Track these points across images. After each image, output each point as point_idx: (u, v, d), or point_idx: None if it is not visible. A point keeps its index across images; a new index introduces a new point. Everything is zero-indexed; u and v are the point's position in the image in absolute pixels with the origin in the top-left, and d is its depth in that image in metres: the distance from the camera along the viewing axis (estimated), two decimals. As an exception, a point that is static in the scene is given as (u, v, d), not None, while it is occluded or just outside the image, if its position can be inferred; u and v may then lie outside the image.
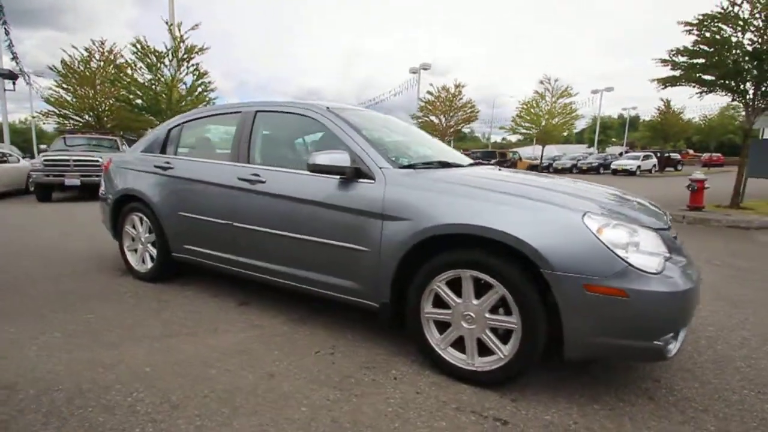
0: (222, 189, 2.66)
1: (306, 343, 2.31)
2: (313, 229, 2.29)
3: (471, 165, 2.72)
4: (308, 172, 2.33)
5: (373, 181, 2.12)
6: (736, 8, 7.17)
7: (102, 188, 3.63)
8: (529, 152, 36.65)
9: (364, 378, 1.97)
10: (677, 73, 8.40)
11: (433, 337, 2.01)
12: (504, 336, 1.86)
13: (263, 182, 2.47)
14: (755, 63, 7.19)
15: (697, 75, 8.03)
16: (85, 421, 1.60)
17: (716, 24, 7.61)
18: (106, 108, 14.54)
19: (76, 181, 9.47)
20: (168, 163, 3.03)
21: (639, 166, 24.43)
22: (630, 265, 1.62)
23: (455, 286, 1.92)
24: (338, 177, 2.21)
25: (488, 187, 1.94)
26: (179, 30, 11.39)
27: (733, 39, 7.36)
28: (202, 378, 1.93)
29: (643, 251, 1.70)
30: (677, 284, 1.66)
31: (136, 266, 3.35)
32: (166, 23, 11.36)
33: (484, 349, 1.90)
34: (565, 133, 22.44)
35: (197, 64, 11.89)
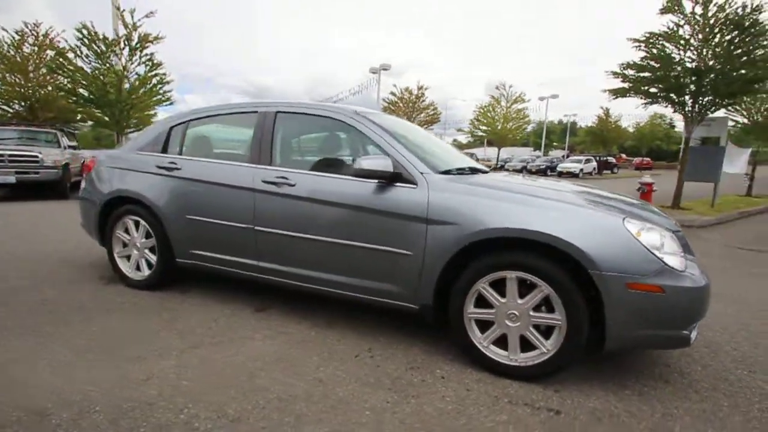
0: (241, 192, 2.56)
1: (341, 348, 2.30)
2: (349, 233, 2.28)
3: (493, 171, 2.85)
4: (342, 176, 2.33)
5: (415, 186, 2.16)
6: (679, 29, 8.01)
7: (84, 190, 3.32)
8: (481, 154, 38.14)
9: (413, 379, 2.01)
10: (626, 85, 9.21)
11: (475, 335, 2.09)
12: (545, 332, 1.98)
13: (292, 185, 2.41)
14: (694, 79, 8.07)
15: (644, 88, 8.85)
16: (143, 442, 1.50)
17: (660, 42, 8.46)
18: (41, 97, 13.12)
19: (11, 179, 8.56)
20: (173, 163, 2.85)
21: (581, 169, 26.39)
22: (666, 264, 1.80)
23: (497, 286, 2.02)
24: (376, 181, 2.23)
25: (530, 193, 2.05)
26: (132, 17, 10.58)
27: (676, 57, 8.22)
28: (251, 388, 1.86)
29: (667, 252, 1.89)
30: (700, 280, 1.87)
31: (129, 273, 3.11)
32: (117, 8, 10.49)
33: (525, 346, 2.01)
34: (518, 137, 23.70)
35: (151, 54, 11.11)
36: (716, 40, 7.73)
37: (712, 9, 7.79)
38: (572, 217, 1.90)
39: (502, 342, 2.06)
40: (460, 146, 53.48)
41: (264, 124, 2.63)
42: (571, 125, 46.46)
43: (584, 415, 1.78)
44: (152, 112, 12.82)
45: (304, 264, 2.45)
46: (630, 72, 9.07)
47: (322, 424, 1.64)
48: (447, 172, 2.29)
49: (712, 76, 7.79)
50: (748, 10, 7.16)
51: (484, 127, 22.38)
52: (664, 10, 8.48)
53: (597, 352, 1.98)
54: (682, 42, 8.18)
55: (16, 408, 1.66)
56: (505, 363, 2.03)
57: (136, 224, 3.03)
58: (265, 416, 1.67)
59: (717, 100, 8.19)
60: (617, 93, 9.47)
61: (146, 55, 10.95)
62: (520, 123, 21.72)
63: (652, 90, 8.94)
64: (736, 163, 10.65)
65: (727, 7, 7.47)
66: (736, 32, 7.40)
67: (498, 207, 1.98)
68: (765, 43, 7.19)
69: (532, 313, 1.96)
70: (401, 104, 17.46)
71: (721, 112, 9.45)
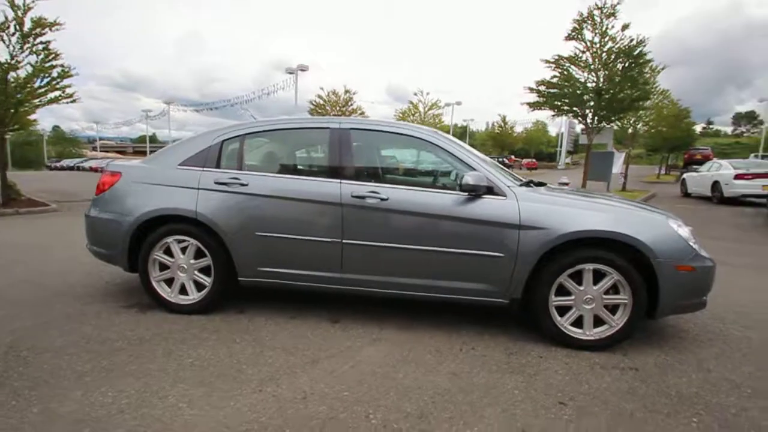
0: (328, 207, 2.62)
1: (440, 345, 2.55)
2: (443, 240, 2.54)
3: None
4: (432, 189, 2.61)
5: (504, 197, 2.52)
6: (582, 54, 9.68)
7: (101, 209, 2.95)
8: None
9: (520, 361, 2.37)
10: (541, 99, 10.77)
11: (556, 319, 2.53)
12: (611, 310, 2.52)
13: (384, 199, 2.57)
14: (593, 96, 9.83)
15: (556, 102, 10.47)
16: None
17: (567, 65, 10.10)
18: None
19: None
20: (236, 179, 2.75)
21: (486, 169, 29.52)
22: (696, 250, 2.47)
23: (572, 277, 2.50)
24: (465, 193, 2.53)
25: (597, 201, 2.57)
26: (22, -2, 8.83)
27: (581, 77, 9.91)
28: (405, 389, 2.03)
29: (693, 241, 2.57)
30: (712, 260, 2.58)
31: (171, 298, 2.88)
32: (2, -14, 8.68)
33: (595, 323, 2.52)
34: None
35: (47, 42, 9.41)
36: (611, 65, 9.56)
37: (606, 39, 9.60)
38: (636, 219, 2.47)
39: (574, 322, 2.54)
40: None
41: (340, 141, 2.72)
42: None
43: (654, 368, 2.34)
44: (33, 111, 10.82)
45: (395, 272, 2.63)
46: (542, 88, 10.65)
47: (494, 406, 1.91)
48: (522, 185, 2.69)
49: (607, 95, 9.60)
50: (634, 42, 9.04)
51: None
52: (569, 38, 10.15)
53: (649, 319, 2.57)
54: (583, 65, 9.89)
55: (204, 444, 1.60)
56: (582, 338, 2.52)
57: (181, 243, 2.83)
58: (443, 408, 1.88)
59: (610, 115, 10.10)
60: (533, 106, 11.02)
61: (41, 43, 9.26)
62: (438, 128, 23.55)
63: (560, 104, 10.63)
64: (616, 164, 13.13)
65: (618, 38, 9.30)
66: (626, 59, 9.26)
67: (583, 214, 2.45)
68: (646, 69, 9.12)
69: (603, 296, 2.48)
70: (328, 107, 17.50)
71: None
